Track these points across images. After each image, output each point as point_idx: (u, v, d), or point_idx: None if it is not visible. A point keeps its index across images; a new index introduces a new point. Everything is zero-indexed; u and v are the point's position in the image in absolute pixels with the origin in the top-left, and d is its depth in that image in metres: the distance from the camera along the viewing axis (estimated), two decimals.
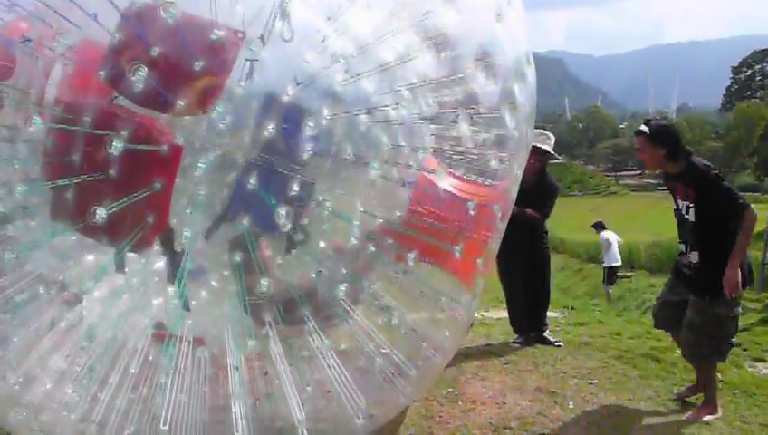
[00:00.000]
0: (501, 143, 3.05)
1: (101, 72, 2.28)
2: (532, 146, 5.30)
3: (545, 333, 5.76)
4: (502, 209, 3.25)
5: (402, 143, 2.64)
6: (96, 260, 2.57)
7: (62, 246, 2.52)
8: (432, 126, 2.75)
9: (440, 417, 4.10)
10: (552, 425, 3.95)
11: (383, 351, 2.87)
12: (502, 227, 3.39)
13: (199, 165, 2.32)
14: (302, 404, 2.68)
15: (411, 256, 2.75)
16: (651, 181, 79.37)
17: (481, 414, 4.13)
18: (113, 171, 2.23)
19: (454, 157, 2.87)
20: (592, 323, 6.78)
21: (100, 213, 2.21)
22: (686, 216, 4.03)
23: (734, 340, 4.09)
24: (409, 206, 2.75)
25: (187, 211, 2.42)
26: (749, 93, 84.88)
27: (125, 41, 2.27)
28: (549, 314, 6.58)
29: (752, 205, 3.93)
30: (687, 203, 4.01)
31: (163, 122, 2.33)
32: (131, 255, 2.50)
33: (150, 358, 2.60)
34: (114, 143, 2.18)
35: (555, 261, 11.85)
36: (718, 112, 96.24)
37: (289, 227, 2.37)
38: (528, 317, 5.88)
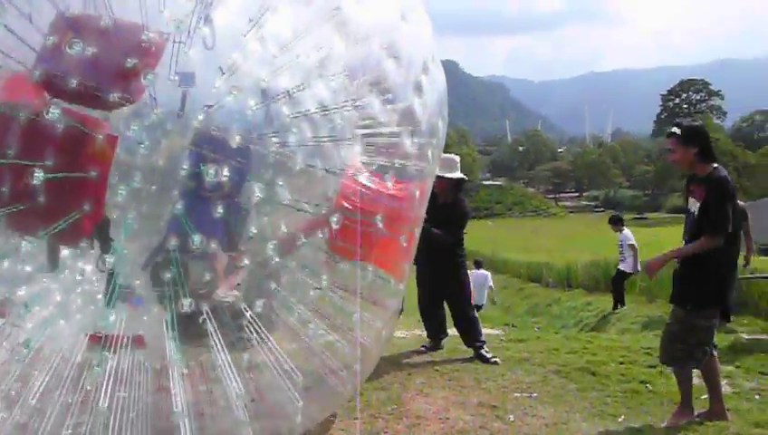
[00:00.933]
0: (413, 130, 3.23)
1: (35, 72, 2.39)
2: (442, 176, 5.43)
3: (483, 351, 5.92)
4: (419, 190, 3.41)
5: (325, 135, 2.80)
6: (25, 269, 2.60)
7: None
8: (350, 113, 2.89)
9: (385, 433, 4.16)
10: None
11: (320, 341, 3.00)
12: (421, 211, 3.58)
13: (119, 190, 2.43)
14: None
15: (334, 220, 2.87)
16: (589, 203, 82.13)
17: (425, 430, 4.20)
18: (49, 161, 2.32)
19: (371, 143, 3.03)
20: (531, 340, 6.99)
21: (38, 174, 2.28)
22: (693, 210, 4.16)
23: (707, 348, 4.21)
24: (337, 199, 2.90)
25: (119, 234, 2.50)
26: (678, 121, 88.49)
27: (57, 43, 2.40)
28: (489, 331, 6.80)
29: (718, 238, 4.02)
30: (700, 204, 4.10)
31: (97, 116, 2.44)
32: (65, 254, 2.59)
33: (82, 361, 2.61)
34: (51, 111, 2.30)
35: (498, 281, 12.16)
36: (650, 138, 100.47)
37: (220, 181, 2.48)
38: (442, 326, 6.32)
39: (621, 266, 11.34)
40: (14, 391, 2.57)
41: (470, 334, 6.02)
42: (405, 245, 3.39)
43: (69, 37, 2.36)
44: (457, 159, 6.01)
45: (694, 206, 4.18)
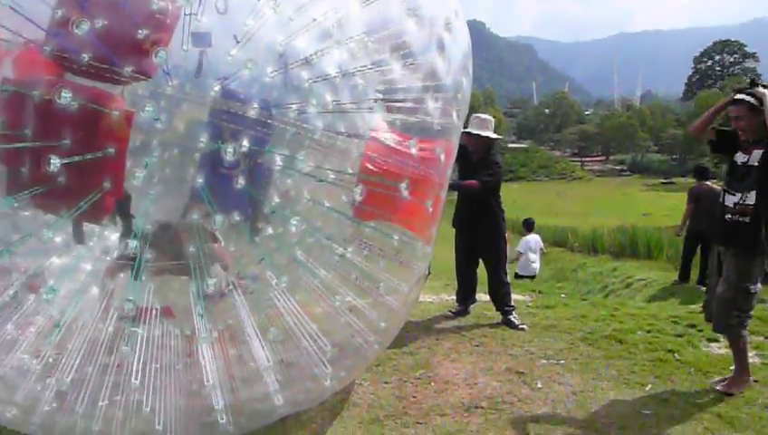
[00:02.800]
0: (437, 88, 3.21)
1: (46, 47, 2.37)
2: (474, 133, 5.71)
3: (511, 317, 5.99)
4: (444, 153, 3.40)
5: (346, 99, 2.78)
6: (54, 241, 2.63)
7: (20, 224, 2.57)
8: (371, 74, 2.86)
9: (414, 398, 4.25)
10: (520, 404, 4.14)
11: (347, 301, 3.03)
12: (447, 173, 3.57)
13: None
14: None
15: (357, 190, 2.87)
16: (615, 167, 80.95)
17: (453, 395, 4.29)
18: (66, 140, 2.33)
19: (394, 104, 3.01)
20: (558, 307, 7.01)
21: (55, 161, 2.29)
22: (751, 164, 4.17)
23: (752, 313, 4.33)
24: (362, 162, 2.88)
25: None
26: (709, 83, 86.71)
27: (67, 13, 2.36)
28: (517, 297, 6.83)
29: None
30: (756, 159, 4.13)
31: (112, 91, 2.43)
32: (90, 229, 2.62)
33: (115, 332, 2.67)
34: (63, 94, 2.27)
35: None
36: (680, 101, 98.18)
37: (238, 160, 2.49)
38: (473, 292, 6.42)
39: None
40: (51, 358, 2.65)
41: (501, 299, 6.09)
42: (431, 209, 3.39)
43: (76, 11, 2.33)
44: (492, 119, 6.12)
45: (743, 158, 4.22)
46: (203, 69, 2.53)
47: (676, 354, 5.12)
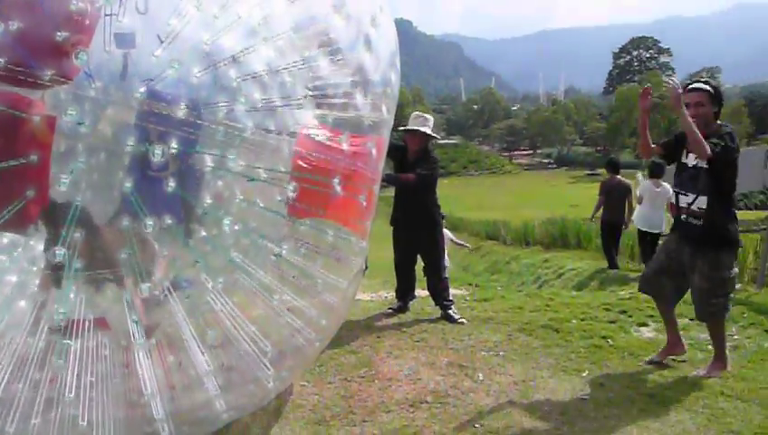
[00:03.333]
0: (365, 85, 3.22)
1: None
2: (413, 129, 5.85)
3: (450, 311, 6.05)
4: (375, 147, 3.41)
5: (275, 96, 2.75)
6: None
7: None
8: (299, 71, 2.84)
9: (359, 396, 4.22)
10: (464, 396, 4.17)
11: (285, 300, 2.98)
12: (379, 167, 3.59)
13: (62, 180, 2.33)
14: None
15: (290, 189, 2.84)
16: (543, 160, 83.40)
17: (397, 391, 4.29)
18: None
19: (324, 101, 3.00)
20: (495, 299, 7.14)
21: None
22: (700, 166, 4.32)
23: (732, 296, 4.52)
24: (294, 160, 2.85)
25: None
26: (628, 77, 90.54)
27: None
28: (454, 291, 6.92)
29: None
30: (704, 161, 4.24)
31: (32, 96, 2.31)
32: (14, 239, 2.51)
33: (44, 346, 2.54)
34: None
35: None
36: (601, 95, 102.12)
37: (167, 160, 2.43)
38: (412, 289, 6.48)
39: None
40: None
41: (440, 294, 6.15)
42: (364, 204, 3.40)
43: None
44: (431, 118, 6.21)
45: (693, 160, 4.39)
46: (128, 70, 2.43)
47: (609, 340, 5.30)
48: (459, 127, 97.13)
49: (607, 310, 6.32)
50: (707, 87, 4.39)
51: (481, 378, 4.49)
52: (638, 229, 9.80)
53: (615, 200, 10.04)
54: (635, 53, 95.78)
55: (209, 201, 2.68)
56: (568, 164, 73.13)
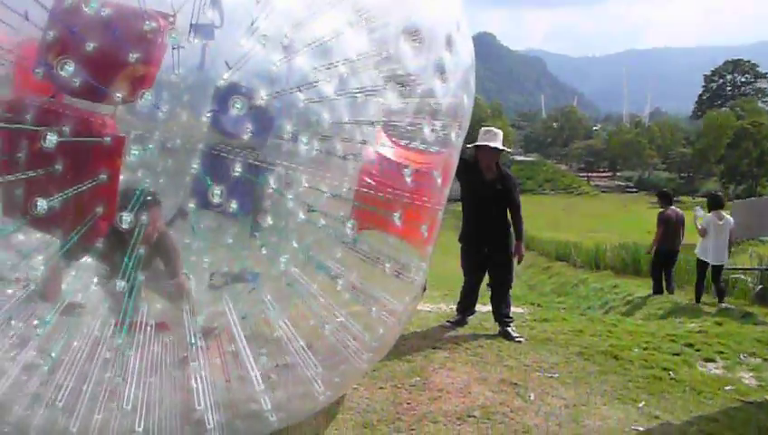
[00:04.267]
0: (434, 112, 3.21)
1: (38, 70, 2.37)
2: (485, 146, 5.76)
3: (509, 329, 6.00)
4: (441, 175, 3.42)
5: (344, 118, 2.79)
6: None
7: (18, 243, 2.57)
8: (368, 99, 2.87)
9: (408, 404, 4.27)
10: (513, 414, 4.15)
11: (338, 320, 3.01)
12: (444, 192, 3.57)
13: (132, 152, 2.43)
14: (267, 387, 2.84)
15: (350, 224, 2.90)
16: (621, 184, 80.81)
17: (447, 403, 4.31)
18: (59, 166, 2.31)
19: (389, 127, 3.04)
20: (556, 320, 7.02)
21: (41, 204, 2.29)
22: None
23: None
24: (359, 178, 2.90)
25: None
26: (719, 102, 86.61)
27: (58, 36, 2.36)
28: (515, 309, 6.85)
29: None
30: None
31: (104, 114, 2.40)
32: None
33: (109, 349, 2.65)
34: (48, 136, 2.25)
35: (525, 258, 12.15)
36: (689, 119, 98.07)
37: (223, 202, 2.51)
38: (473, 304, 6.42)
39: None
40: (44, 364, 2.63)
41: (502, 310, 6.10)
42: (426, 234, 3.41)
43: (66, 36, 2.33)
44: (500, 131, 6.13)
45: None
46: (205, 61, 2.54)
47: (671, 373, 5.13)
48: (537, 144, 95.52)
49: (672, 341, 6.10)
50: None
51: (532, 398, 4.45)
52: (700, 260, 9.84)
53: (671, 230, 10.30)
54: (729, 76, 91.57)
55: (270, 222, 2.78)
56: (648, 189, 70.47)
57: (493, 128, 6.18)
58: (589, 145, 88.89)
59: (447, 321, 6.37)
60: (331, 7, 2.71)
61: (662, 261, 10.83)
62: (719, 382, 4.94)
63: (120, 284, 2.47)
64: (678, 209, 10.62)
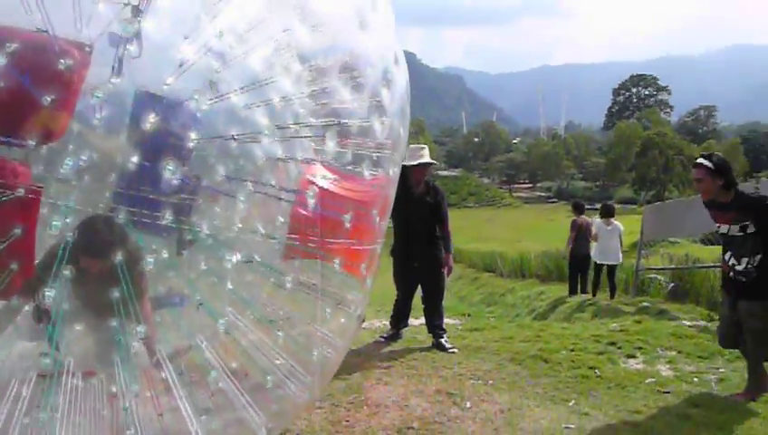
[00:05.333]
0: (372, 155, 3.17)
1: None
2: (421, 163, 5.85)
3: (442, 340, 6.11)
4: (380, 212, 3.43)
5: (278, 155, 2.71)
6: None
7: None
8: (303, 140, 2.82)
9: (347, 422, 4.27)
10: (450, 423, 4.22)
11: (277, 362, 2.93)
12: (383, 226, 3.58)
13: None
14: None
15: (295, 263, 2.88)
16: (542, 194, 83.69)
17: (385, 417, 4.33)
18: None
19: (327, 166, 2.97)
20: (487, 329, 7.19)
21: None
22: (738, 234, 4.54)
23: None
24: (291, 217, 2.84)
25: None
26: (627, 114, 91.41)
27: None
28: (447, 320, 6.97)
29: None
30: (738, 225, 4.52)
31: (18, 161, 2.19)
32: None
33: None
34: None
35: (453, 270, 12.35)
36: (601, 130, 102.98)
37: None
38: (407, 317, 6.54)
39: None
40: None
41: (435, 322, 6.21)
42: (365, 272, 3.41)
43: None
44: (425, 146, 6.27)
45: (725, 228, 4.62)
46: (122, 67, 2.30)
47: (597, 371, 5.36)
48: (460, 159, 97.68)
49: (596, 341, 6.37)
50: (706, 162, 4.55)
51: (468, 406, 4.54)
52: (596, 263, 11.36)
53: (583, 236, 11.47)
54: (634, 90, 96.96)
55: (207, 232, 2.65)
56: (567, 198, 73.24)
57: (420, 144, 6.33)
58: (509, 158, 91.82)
59: (381, 336, 6.42)
60: (266, 45, 2.63)
61: (576, 265, 11.95)
62: (640, 376, 5.20)
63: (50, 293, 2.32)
64: (588, 218, 11.77)
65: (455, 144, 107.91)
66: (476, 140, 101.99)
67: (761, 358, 4.66)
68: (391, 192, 3.64)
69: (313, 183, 2.90)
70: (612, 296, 11.10)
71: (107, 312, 2.51)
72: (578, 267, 12.01)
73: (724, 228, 4.64)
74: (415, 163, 5.89)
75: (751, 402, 4.55)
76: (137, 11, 2.23)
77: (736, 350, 5.03)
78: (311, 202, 2.85)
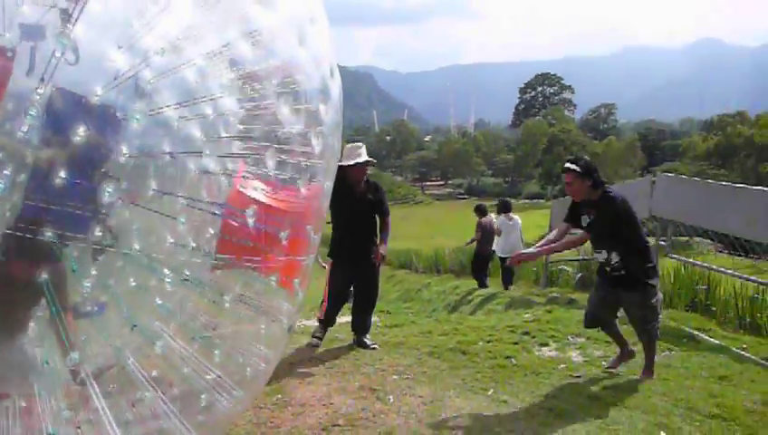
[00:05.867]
0: (308, 167, 3.14)
1: None
2: (366, 161, 5.80)
3: (365, 338, 6.16)
4: (315, 227, 3.41)
5: (210, 169, 2.63)
6: None
7: None
8: (238, 152, 2.76)
9: (271, 422, 4.24)
10: (375, 418, 4.28)
11: (207, 377, 2.86)
12: (316, 239, 3.52)
13: None
14: None
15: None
16: (452, 191, 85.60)
17: (310, 416, 4.34)
18: None
19: (263, 179, 2.90)
20: (406, 325, 7.31)
21: None
22: (602, 230, 4.82)
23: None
24: (221, 232, 2.77)
25: None
26: (533, 112, 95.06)
27: None
28: None
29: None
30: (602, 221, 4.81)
31: None
32: None
33: None
34: None
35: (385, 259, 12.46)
36: (509, 128, 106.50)
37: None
38: (351, 318, 6.32)
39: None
40: None
41: (366, 322, 6.22)
42: (297, 287, 3.37)
43: None
44: (362, 145, 6.09)
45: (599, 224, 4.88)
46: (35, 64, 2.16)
47: (512, 359, 5.58)
48: (373, 157, 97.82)
49: (511, 332, 6.62)
50: (573, 166, 4.88)
51: (391, 400, 4.61)
52: (499, 257, 12.00)
53: (488, 236, 12.20)
54: (539, 88, 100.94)
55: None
56: (478, 194, 75.37)
57: (357, 143, 6.18)
58: (421, 156, 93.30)
59: (314, 336, 6.21)
60: (203, 56, 2.54)
61: (481, 263, 12.78)
62: (553, 363, 5.46)
63: None
64: (492, 218, 12.58)
65: (367, 143, 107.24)
66: (388, 138, 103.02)
67: (652, 339, 5.03)
68: (325, 204, 3.62)
69: (251, 198, 2.83)
70: (507, 288, 12.10)
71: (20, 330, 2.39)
72: (483, 265, 12.78)
73: (593, 222, 4.92)
74: (353, 163, 5.79)
75: (653, 380, 4.90)
76: (66, 16, 2.11)
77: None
78: (250, 221, 2.79)
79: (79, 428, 2.64)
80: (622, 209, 4.81)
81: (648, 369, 5.03)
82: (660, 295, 5.05)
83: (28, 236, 2.17)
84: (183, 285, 2.69)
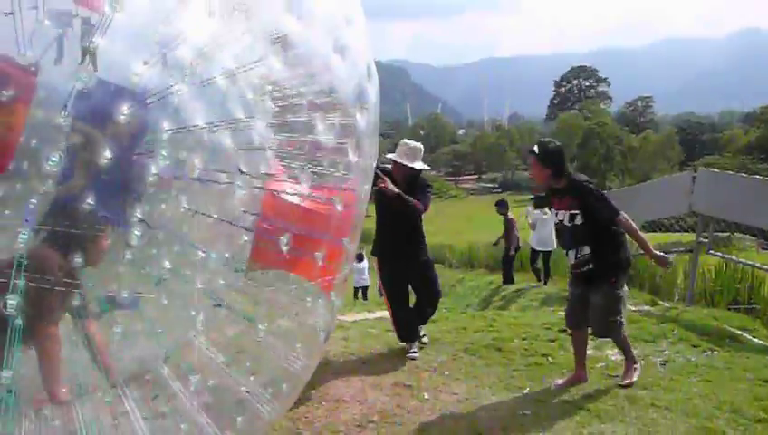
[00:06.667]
0: (345, 176, 3.07)
1: None
2: (400, 163, 5.48)
3: (420, 328, 5.90)
4: (351, 237, 3.34)
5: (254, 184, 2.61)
6: None
7: None
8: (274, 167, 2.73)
9: (306, 417, 4.26)
10: (410, 415, 4.27)
11: (242, 387, 2.85)
12: (353, 247, 3.46)
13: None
14: None
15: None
16: (487, 185, 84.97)
17: (345, 412, 4.35)
18: None
19: (302, 196, 2.87)
20: (441, 321, 7.27)
21: None
22: (571, 223, 4.64)
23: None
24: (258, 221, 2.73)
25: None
26: (568, 105, 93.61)
27: None
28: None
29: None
30: (570, 212, 4.63)
31: None
32: None
33: None
34: None
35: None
36: (544, 122, 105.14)
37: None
38: (416, 322, 5.83)
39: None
40: None
41: (424, 316, 5.96)
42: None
43: None
44: (421, 147, 5.62)
45: (567, 217, 4.68)
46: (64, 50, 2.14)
47: (549, 358, 5.50)
48: None
49: (548, 329, 6.53)
50: (535, 149, 4.71)
51: (426, 397, 4.60)
52: (533, 249, 12.36)
53: (514, 233, 12.57)
54: (575, 81, 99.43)
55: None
56: (512, 188, 74.68)
57: (413, 143, 5.67)
58: (454, 150, 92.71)
59: (408, 353, 5.65)
60: (239, 81, 2.51)
61: (511, 258, 13.01)
62: (591, 362, 5.34)
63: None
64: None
65: (401, 137, 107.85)
66: (422, 132, 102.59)
67: (618, 336, 4.83)
68: (362, 209, 3.53)
69: (286, 223, 2.79)
70: (545, 283, 12.11)
71: None
72: (511, 260, 13.08)
73: (560, 216, 4.75)
74: (408, 165, 5.49)
75: (692, 381, 4.76)
76: (89, 26, 2.10)
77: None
78: (284, 248, 2.75)
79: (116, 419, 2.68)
80: (592, 188, 4.67)
81: (629, 373, 4.81)
82: (626, 289, 4.88)
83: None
84: (217, 292, 2.69)
